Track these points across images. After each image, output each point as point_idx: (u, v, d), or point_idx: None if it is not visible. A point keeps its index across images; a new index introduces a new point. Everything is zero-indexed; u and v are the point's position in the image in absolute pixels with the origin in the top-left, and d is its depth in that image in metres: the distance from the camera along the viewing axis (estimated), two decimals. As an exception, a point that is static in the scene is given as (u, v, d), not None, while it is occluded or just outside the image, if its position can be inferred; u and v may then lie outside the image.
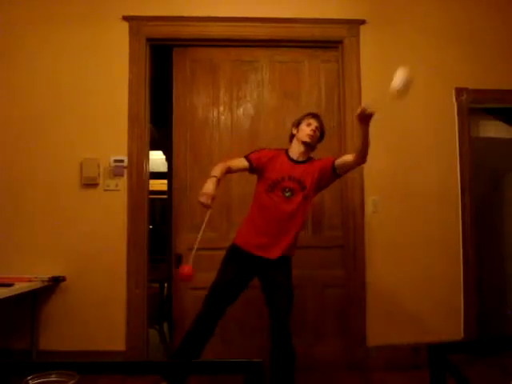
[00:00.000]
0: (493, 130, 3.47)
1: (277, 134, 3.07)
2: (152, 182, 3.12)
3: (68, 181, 2.87)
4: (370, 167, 2.97)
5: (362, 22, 3.05)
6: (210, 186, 2.12)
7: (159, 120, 3.58)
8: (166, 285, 3.69)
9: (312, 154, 2.42)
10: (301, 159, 2.36)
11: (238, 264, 2.31)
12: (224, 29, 2.99)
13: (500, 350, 2.62)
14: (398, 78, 1.89)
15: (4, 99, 2.91)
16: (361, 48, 3.04)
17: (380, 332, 2.91)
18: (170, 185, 3.52)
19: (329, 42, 3.09)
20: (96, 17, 2.95)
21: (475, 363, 2.60)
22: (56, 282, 2.73)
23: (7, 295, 2.30)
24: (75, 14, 2.95)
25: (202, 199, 2.10)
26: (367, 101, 2.16)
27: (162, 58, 3.15)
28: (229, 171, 2.29)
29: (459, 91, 3.05)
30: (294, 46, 3.10)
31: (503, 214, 3.55)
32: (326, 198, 3.05)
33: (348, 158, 2.31)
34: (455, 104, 3.06)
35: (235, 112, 3.07)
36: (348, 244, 2.98)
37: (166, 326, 3.43)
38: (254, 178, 2.41)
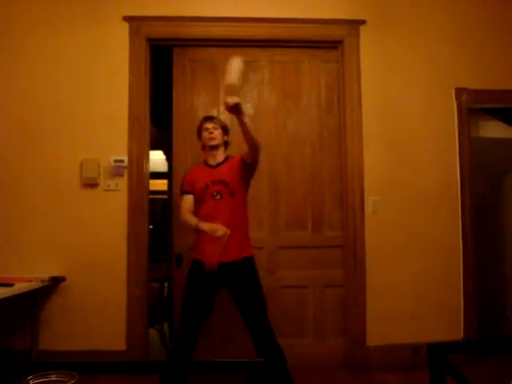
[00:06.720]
0: (493, 130, 3.47)
1: (277, 133, 3.07)
2: (152, 182, 3.11)
3: (68, 181, 2.87)
4: (370, 167, 2.99)
5: (362, 22, 3.05)
6: (210, 225, 2.21)
7: (159, 120, 3.58)
8: (166, 285, 3.69)
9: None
10: (218, 162, 2.44)
11: (202, 279, 2.32)
12: (224, 29, 2.99)
13: (500, 349, 2.62)
14: (231, 72, 2.04)
15: (4, 100, 2.90)
16: (361, 48, 3.04)
17: (380, 332, 2.91)
18: (170, 185, 3.52)
19: (329, 42, 3.09)
20: (96, 17, 2.95)
21: (475, 363, 2.61)
22: (56, 281, 2.73)
23: (7, 295, 2.30)
24: (75, 14, 2.95)
25: (220, 233, 2.16)
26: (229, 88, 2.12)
27: (162, 58, 3.15)
28: (191, 211, 2.40)
29: (459, 91, 3.05)
30: (293, 46, 3.10)
31: (503, 214, 3.55)
32: (326, 197, 3.06)
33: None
34: (455, 104, 3.06)
35: (235, 112, 3.06)
36: (348, 244, 2.98)
37: (166, 325, 3.43)
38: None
